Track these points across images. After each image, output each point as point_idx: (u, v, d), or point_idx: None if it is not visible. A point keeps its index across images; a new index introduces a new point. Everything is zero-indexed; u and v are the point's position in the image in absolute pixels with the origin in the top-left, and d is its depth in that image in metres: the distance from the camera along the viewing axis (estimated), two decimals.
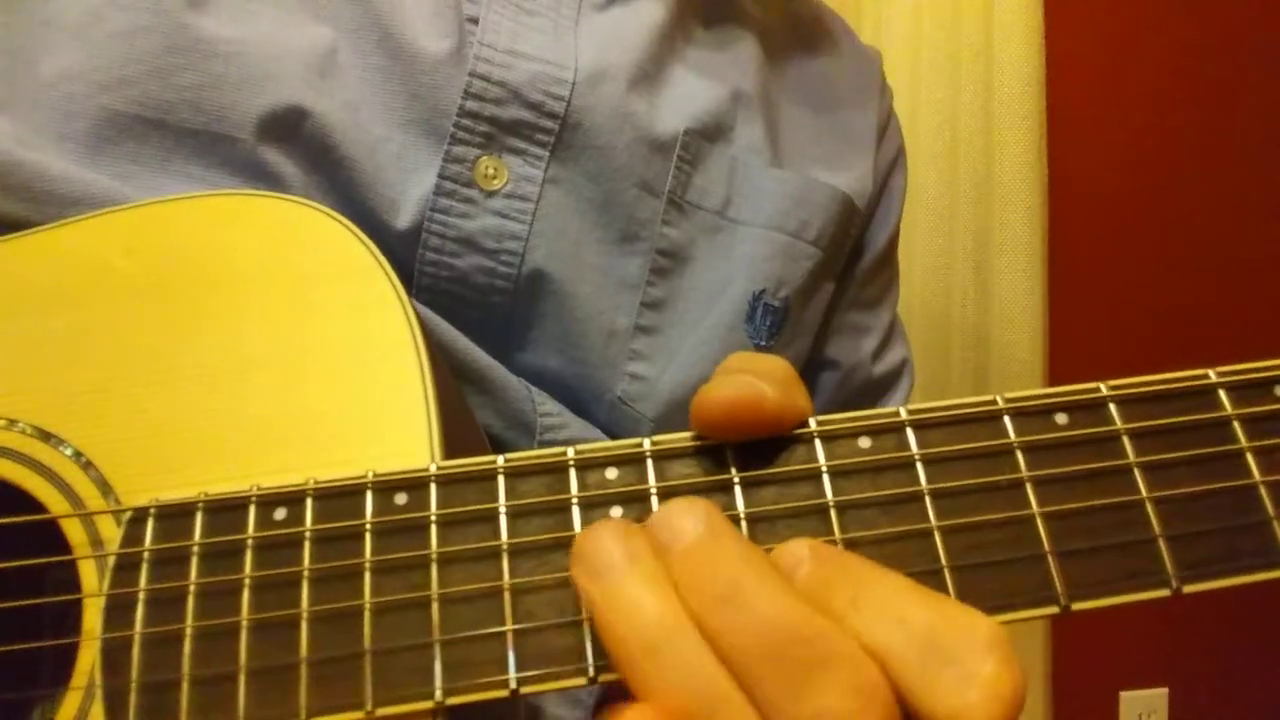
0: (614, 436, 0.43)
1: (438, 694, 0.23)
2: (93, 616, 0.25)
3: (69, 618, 0.27)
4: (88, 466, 0.29)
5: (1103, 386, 0.25)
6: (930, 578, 0.23)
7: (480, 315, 0.41)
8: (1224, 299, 1.46)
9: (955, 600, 0.22)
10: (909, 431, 0.25)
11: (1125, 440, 0.24)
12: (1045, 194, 1.38)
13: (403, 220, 0.39)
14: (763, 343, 0.45)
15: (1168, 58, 1.47)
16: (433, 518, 0.25)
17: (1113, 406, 0.25)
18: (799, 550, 0.22)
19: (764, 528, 0.24)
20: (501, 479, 0.25)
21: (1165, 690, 1.47)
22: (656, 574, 0.21)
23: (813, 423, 0.25)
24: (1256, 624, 1.44)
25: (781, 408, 0.24)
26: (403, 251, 0.40)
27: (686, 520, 0.22)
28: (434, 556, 0.24)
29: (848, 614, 0.21)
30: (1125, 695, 1.47)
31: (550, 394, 0.42)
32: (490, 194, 0.41)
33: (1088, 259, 1.46)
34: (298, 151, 0.39)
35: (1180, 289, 1.47)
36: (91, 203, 0.35)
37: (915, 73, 1.38)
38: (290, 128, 0.38)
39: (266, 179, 0.38)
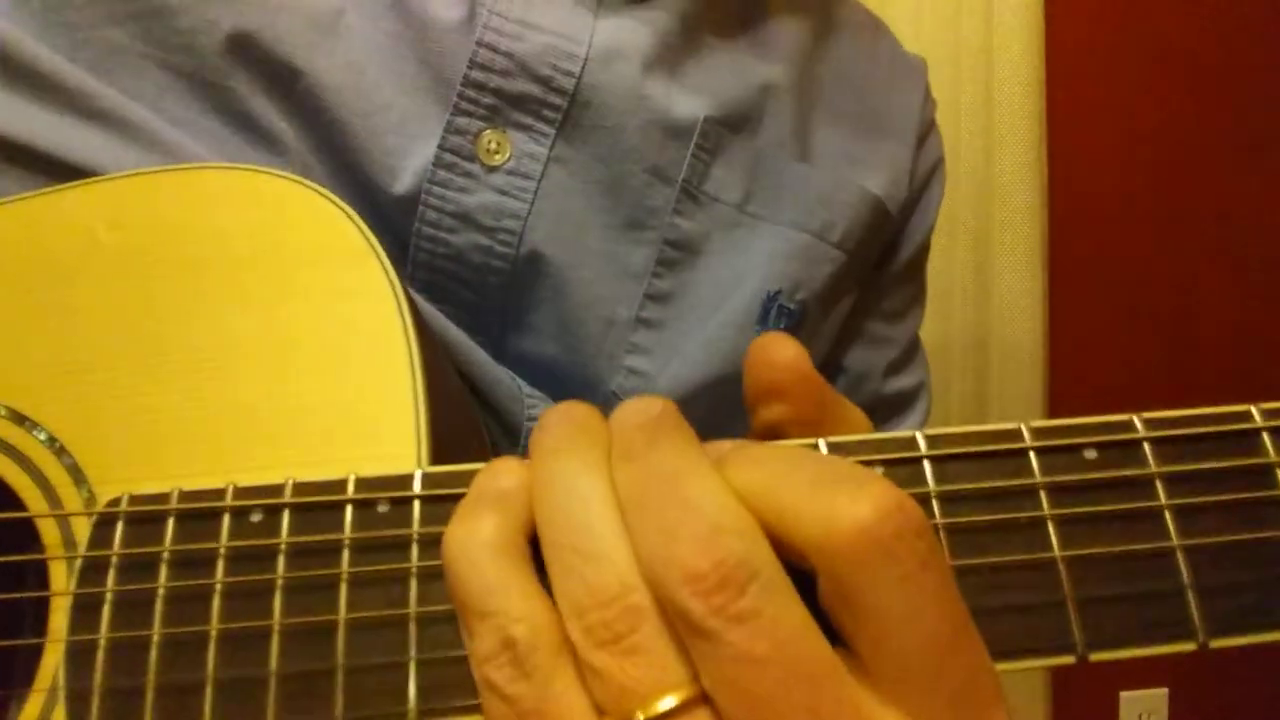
0: None
1: (411, 714, 0.22)
2: (59, 617, 0.24)
3: (40, 615, 0.26)
4: (61, 452, 0.27)
5: (1136, 420, 0.23)
6: None
7: (476, 296, 0.40)
8: (1224, 299, 1.46)
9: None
10: (926, 464, 0.23)
11: (1157, 482, 0.23)
12: (1045, 194, 1.37)
13: (399, 187, 0.38)
14: None
15: (1168, 58, 1.46)
16: (415, 531, 0.23)
17: (1146, 445, 0.23)
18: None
19: None
20: None
21: (1165, 690, 1.47)
22: (593, 436, 0.21)
23: (822, 443, 0.23)
24: None
25: (827, 388, 0.24)
26: (400, 220, 0.39)
27: (643, 404, 0.21)
28: (414, 571, 0.23)
29: (743, 465, 0.20)
30: (1125, 695, 1.46)
31: (545, 382, 0.41)
32: (491, 169, 0.39)
33: (1088, 259, 1.46)
34: (290, 108, 0.38)
35: (1180, 289, 1.47)
36: (99, 116, 0.35)
37: None
38: (282, 84, 0.37)
39: (257, 131, 0.37)
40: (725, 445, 0.22)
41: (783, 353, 0.24)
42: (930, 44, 1.37)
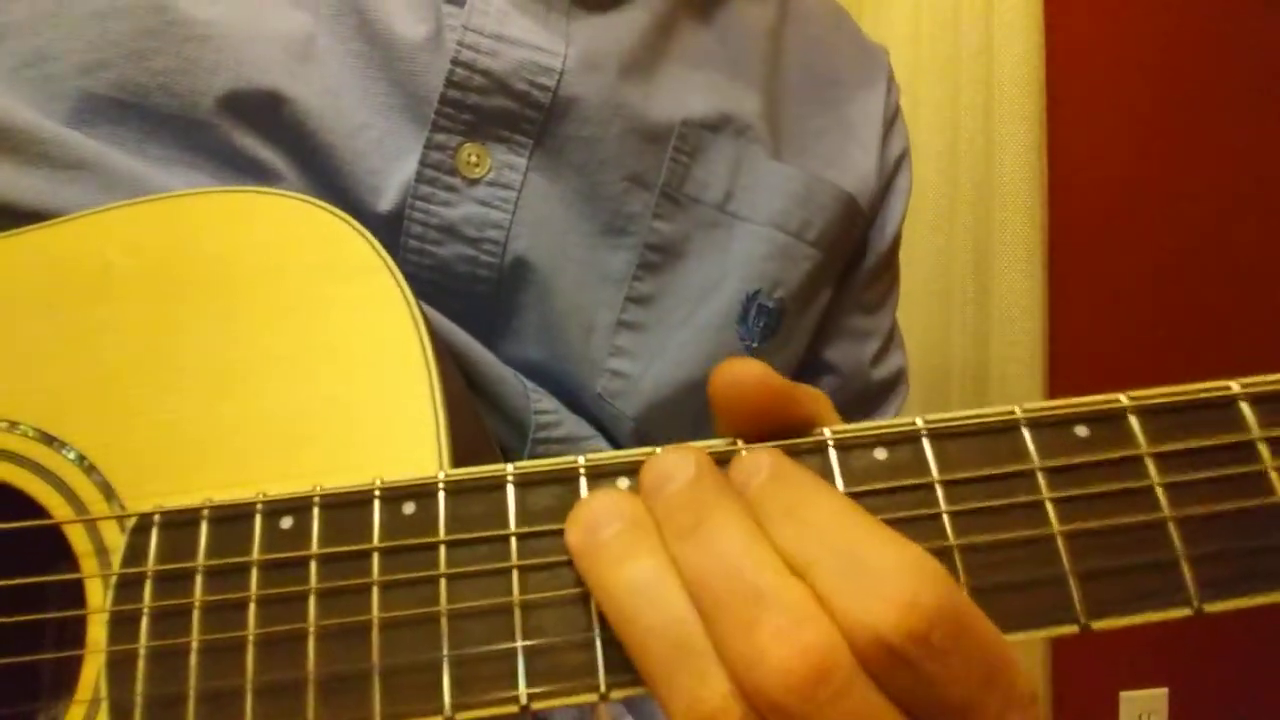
0: (603, 431, 0.43)
1: (447, 709, 0.23)
2: (97, 628, 0.25)
3: (70, 624, 0.26)
4: (90, 470, 0.28)
5: (1123, 398, 0.24)
6: None
7: (463, 305, 0.40)
8: (1224, 298, 1.46)
9: (887, 528, 0.22)
10: (925, 443, 0.24)
11: (1147, 456, 0.24)
12: (1045, 194, 1.38)
13: (384, 205, 0.39)
14: (755, 344, 0.44)
15: (1168, 58, 1.47)
16: (441, 529, 0.24)
17: (1134, 419, 0.24)
18: (758, 461, 0.23)
19: None
20: (511, 489, 0.25)
21: (1165, 690, 1.47)
22: (645, 529, 0.22)
23: (827, 432, 0.25)
24: (1257, 624, 1.44)
25: (792, 386, 0.25)
26: (386, 237, 0.39)
27: (677, 467, 0.23)
28: (443, 570, 0.24)
29: (782, 526, 0.22)
30: (1125, 695, 1.47)
31: (539, 385, 0.41)
32: (473, 182, 0.40)
33: (1088, 259, 1.46)
34: (275, 137, 0.38)
35: (1180, 288, 1.47)
36: (83, 166, 0.35)
37: (915, 73, 1.38)
38: (266, 113, 0.38)
39: (244, 163, 0.38)
40: (753, 472, 0.23)
41: (750, 375, 0.24)
42: (930, 44, 1.38)
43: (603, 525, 0.23)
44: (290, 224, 0.32)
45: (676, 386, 0.43)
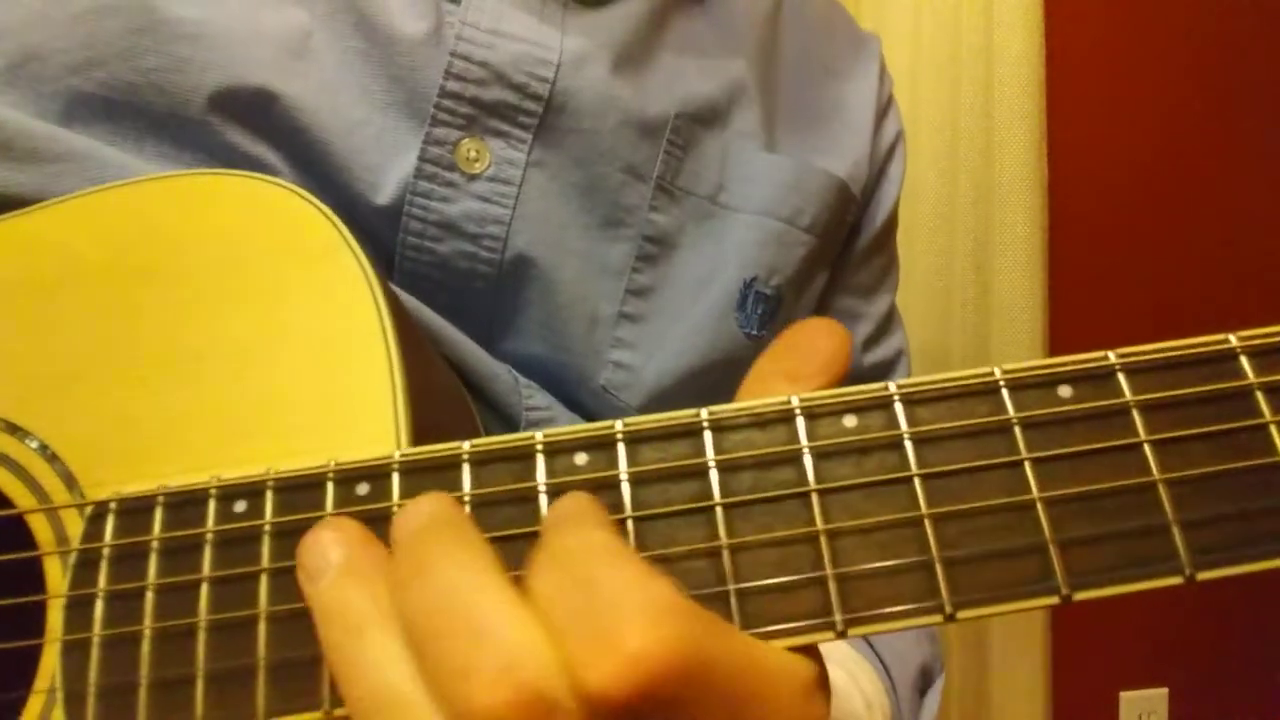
0: None
1: None
2: (55, 617, 0.25)
3: (39, 615, 0.26)
4: (53, 460, 0.28)
5: (1110, 354, 0.22)
6: (920, 568, 0.21)
7: (463, 301, 0.40)
8: (1224, 299, 1.46)
9: (642, 566, 0.20)
10: (898, 408, 0.23)
11: (1135, 414, 0.22)
12: (1045, 194, 1.38)
13: (381, 200, 0.39)
14: (754, 332, 0.44)
15: (1168, 57, 1.46)
16: (395, 509, 0.24)
17: (1121, 377, 0.22)
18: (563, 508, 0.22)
19: (740, 514, 0.22)
20: (466, 467, 0.24)
21: (1165, 690, 1.47)
22: (359, 576, 0.21)
23: (795, 399, 0.23)
24: (1257, 624, 1.44)
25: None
26: (384, 232, 0.39)
27: (410, 515, 0.21)
28: None
29: (535, 559, 0.20)
30: (1125, 695, 1.46)
31: (537, 381, 0.41)
32: (472, 177, 0.40)
33: (1088, 259, 1.46)
34: (267, 134, 0.38)
35: (1181, 289, 1.47)
36: (73, 158, 0.35)
37: (915, 73, 1.38)
38: (258, 111, 0.38)
39: (238, 161, 0.38)
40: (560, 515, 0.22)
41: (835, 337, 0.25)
42: (930, 44, 1.38)
43: (316, 574, 0.21)
44: (250, 206, 0.32)
45: (678, 376, 0.43)
